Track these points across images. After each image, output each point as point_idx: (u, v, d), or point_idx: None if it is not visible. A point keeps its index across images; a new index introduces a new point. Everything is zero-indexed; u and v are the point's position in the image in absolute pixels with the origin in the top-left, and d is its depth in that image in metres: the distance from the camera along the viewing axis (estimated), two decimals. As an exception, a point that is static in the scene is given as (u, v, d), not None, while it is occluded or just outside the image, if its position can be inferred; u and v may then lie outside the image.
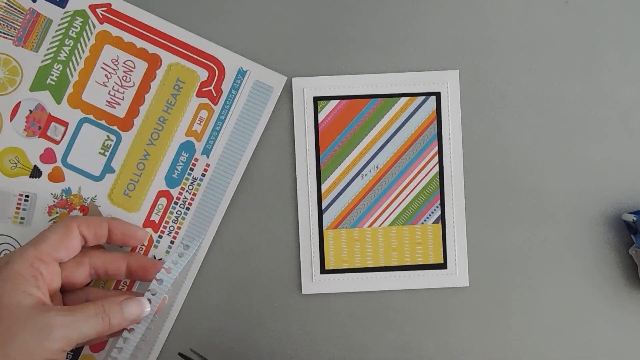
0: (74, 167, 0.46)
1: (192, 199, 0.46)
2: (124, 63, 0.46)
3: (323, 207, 0.47)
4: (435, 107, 0.47)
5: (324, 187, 0.47)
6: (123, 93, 0.46)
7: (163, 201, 0.46)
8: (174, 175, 0.46)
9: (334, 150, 0.47)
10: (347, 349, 0.47)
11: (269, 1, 0.47)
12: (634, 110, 0.47)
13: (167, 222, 0.46)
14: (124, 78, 0.46)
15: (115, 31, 0.46)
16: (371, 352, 0.47)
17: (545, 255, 0.47)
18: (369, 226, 0.47)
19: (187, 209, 0.46)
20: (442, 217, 0.47)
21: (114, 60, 0.46)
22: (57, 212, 0.46)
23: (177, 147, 0.46)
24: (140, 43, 0.46)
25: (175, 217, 0.46)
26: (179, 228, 0.46)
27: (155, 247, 0.46)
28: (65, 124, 0.46)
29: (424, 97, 0.47)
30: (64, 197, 0.46)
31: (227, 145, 0.46)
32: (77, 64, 0.46)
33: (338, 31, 0.47)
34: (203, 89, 0.46)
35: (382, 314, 0.47)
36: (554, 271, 0.47)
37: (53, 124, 0.46)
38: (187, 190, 0.46)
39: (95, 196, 0.46)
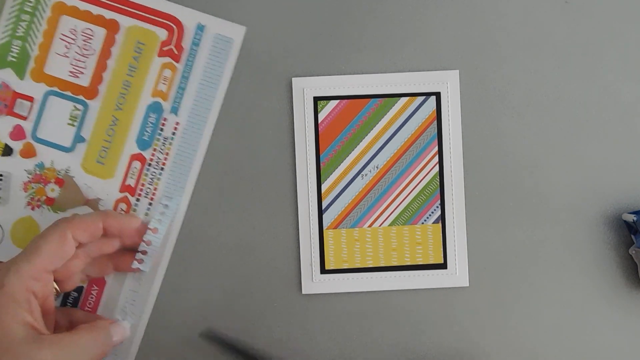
0: (44, 141, 0.46)
1: (165, 159, 0.46)
2: (82, 32, 0.46)
3: (323, 207, 0.47)
4: (435, 107, 0.47)
5: (324, 187, 0.47)
6: (85, 62, 0.46)
7: (137, 164, 0.46)
8: (144, 138, 0.46)
9: (334, 150, 0.47)
10: (347, 349, 0.47)
11: (268, 1, 0.47)
12: (634, 110, 0.47)
13: (142, 185, 0.46)
14: (84, 47, 0.46)
15: (70, 1, 0.46)
16: (371, 352, 0.47)
17: (545, 255, 0.47)
18: (369, 226, 0.47)
19: (162, 169, 0.46)
20: (442, 217, 0.47)
21: (72, 30, 0.46)
22: (32, 188, 0.46)
23: (145, 109, 0.46)
24: (96, 10, 0.46)
25: (151, 178, 0.46)
26: (155, 189, 0.46)
27: (134, 210, 0.46)
28: (30, 99, 0.46)
29: (424, 97, 0.47)
30: (37, 172, 0.46)
31: (194, 101, 0.46)
32: (36, 38, 0.46)
33: (338, 31, 0.47)
34: (164, 49, 0.46)
35: (382, 314, 0.47)
36: (554, 271, 0.47)
37: (19, 100, 0.46)
38: (159, 151, 0.46)
39: (69, 167, 0.46)
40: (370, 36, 0.47)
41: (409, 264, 0.47)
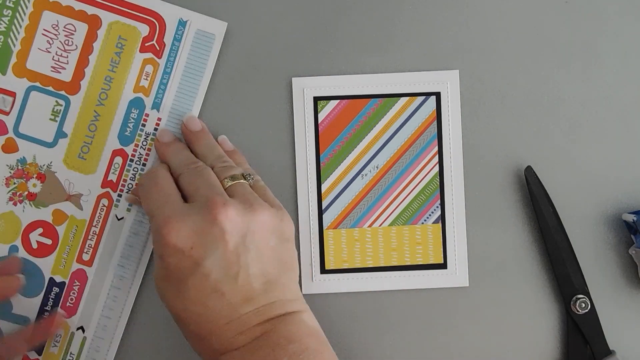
0: (26, 136, 0.46)
1: (147, 155, 0.46)
2: (64, 27, 0.46)
3: (323, 207, 0.47)
4: (435, 107, 0.47)
5: (324, 187, 0.47)
6: (67, 57, 0.46)
7: (119, 160, 0.46)
8: (126, 133, 0.46)
9: (334, 150, 0.47)
10: (347, 349, 0.47)
11: (268, 1, 0.47)
12: (634, 110, 0.47)
13: (124, 180, 0.46)
14: (66, 42, 0.46)
15: None
16: (371, 352, 0.47)
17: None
18: (369, 226, 0.47)
19: (144, 164, 0.46)
20: (442, 217, 0.47)
21: (54, 26, 0.46)
22: (14, 183, 0.46)
23: (127, 105, 0.46)
24: (78, 5, 0.46)
25: (132, 174, 0.46)
26: (137, 184, 0.46)
27: (116, 206, 0.46)
28: (12, 94, 0.46)
29: (424, 97, 0.47)
30: (19, 167, 0.46)
31: (176, 97, 0.46)
32: (18, 33, 0.46)
33: (338, 31, 0.47)
34: (146, 44, 0.46)
35: (382, 314, 0.47)
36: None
37: (1, 95, 0.46)
38: (141, 147, 0.46)
39: (51, 162, 0.46)
40: (370, 36, 0.47)
41: (409, 264, 0.47)
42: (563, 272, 0.46)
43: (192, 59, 0.46)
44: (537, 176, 0.46)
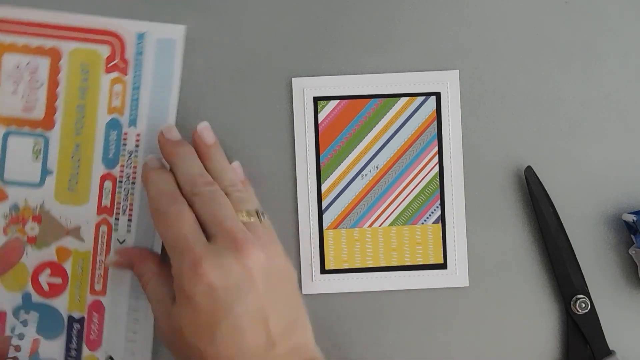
0: (13, 182, 0.46)
1: (134, 172, 0.46)
2: (26, 66, 0.46)
3: (323, 207, 0.47)
4: (435, 107, 0.47)
5: (324, 187, 0.47)
6: (36, 95, 0.46)
7: (108, 184, 0.46)
8: (109, 156, 0.46)
9: (334, 150, 0.47)
10: (347, 349, 0.47)
11: (269, 1, 0.47)
12: (634, 110, 0.47)
13: (118, 203, 0.46)
14: (31, 80, 0.46)
15: (6, 38, 0.46)
16: (371, 352, 0.47)
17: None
18: (369, 226, 0.47)
19: (133, 183, 0.46)
20: (442, 217, 0.47)
21: (16, 67, 0.46)
22: (12, 231, 0.46)
23: (104, 128, 0.46)
24: (34, 42, 0.46)
25: (125, 194, 0.46)
26: (131, 204, 0.46)
27: (116, 230, 0.46)
28: None
29: (424, 97, 0.47)
30: (13, 214, 0.46)
31: (150, 109, 0.46)
32: None
33: (338, 31, 0.47)
34: (109, 64, 0.46)
35: (382, 314, 0.47)
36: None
37: None
38: (127, 166, 0.46)
39: (43, 202, 0.46)
40: (370, 36, 0.47)
41: (409, 264, 0.47)
42: (563, 272, 0.46)
43: (158, 68, 0.46)
44: (537, 176, 0.46)
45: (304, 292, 0.46)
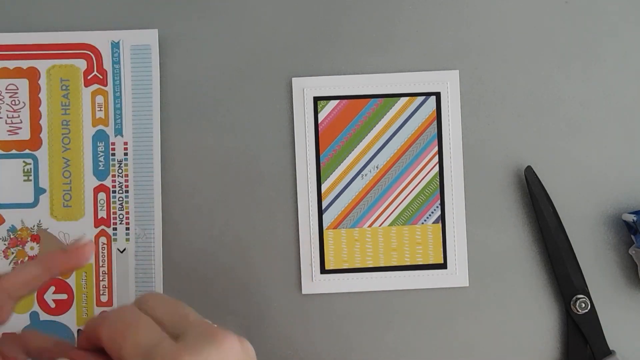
0: (7, 205, 0.46)
1: (126, 181, 0.46)
2: (6, 89, 0.46)
3: (323, 207, 0.47)
4: (435, 107, 0.47)
5: (324, 187, 0.47)
6: (19, 116, 0.46)
7: (102, 195, 0.46)
8: (100, 168, 0.46)
9: (334, 150, 0.47)
10: (347, 349, 0.47)
11: (269, 1, 0.47)
12: (634, 110, 0.47)
13: (114, 213, 0.46)
14: (13, 102, 0.46)
15: None
16: (371, 352, 0.47)
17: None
18: (369, 226, 0.47)
19: (126, 191, 0.46)
20: (442, 217, 0.47)
21: None
22: (12, 253, 0.46)
23: (91, 141, 0.46)
24: (11, 64, 0.46)
25: (120, 204, 0.46)
26: (127, 213, 0.46)
27: (115, 240, 0.46)
28: None
29: (424, 97, 0.47)
30: (12, 236, 0.46)
31: (134, 117, 0.46)
32: None
33: (338, 31, 0.47)
34: (88, 77, 0.46)
35: (382, 314, 0.47)
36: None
37: None
38: (118, 175, 0.46)
39: (40, 221, 0.46)
40: (370, 36, 0.47)
41: (408, 264, 0.47)
42: (563, 272, 0.46)
43: (137, 74, 0.46)
44: (537, 176, 0.46)
45: (304, 292, 0.46)
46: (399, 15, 0.47)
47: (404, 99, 0.47)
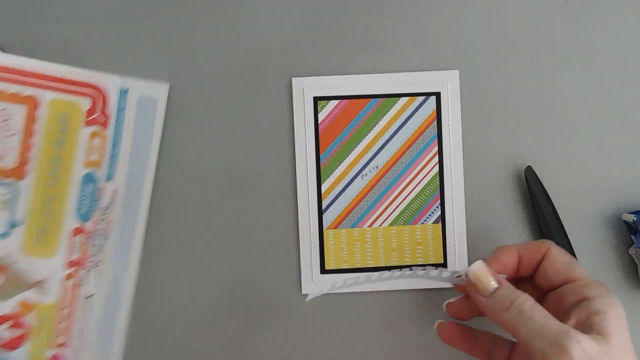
0: None
1: (107, 228, 0.45)
2: None
3: (323, 207, 0.47)
4: (435, 107, 0.47)
5: (324, 187, 0.47)
6: (8, 143, 0.44)
7: (80, 238, 0.45)
8: (81, 211, 0.45)
9: (334, 150, 0.47)
10: (347, 349, 0.47)
11: (269, 1, 0.47)
12: (634, 110, 0.47)
13: (91, 256, 0.45)
14: (4, 128, 0.44)
15: None
16: (371, 352, 0.47)
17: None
18: (369, 226, 0.47)
19: (106, 237, 0.45)
20: (442, 217, 0.47)
21: None
22: None
23: (80, 181, 0.45)
24: (11, 88, 0.44)
25: (97, 249, 0.45)
26: (101, 259, 0.45)
27: (86, 284, 0.45)
28: None
29: (424, 97, 0.47)
30: None
31: (129, 165, 0.46)
32: None
33: (338, 31, 0.47)
34: (89, 118, 0.45)
35: (382, 314, 0.47)
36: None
37: None
38: (100, 220, 0.45)
39: (8, 254, 0.44)
40: (370, 36, 0.47)
41: (409, 264, 0.47)
42: (563, 272, 0.46)
43: (139, 126, 0.46)
44: (537, 176, 0.46)
45: (303, 292, 0.46)
46: (399, 15, 0.47)
47: (404, 99, 0.47)
